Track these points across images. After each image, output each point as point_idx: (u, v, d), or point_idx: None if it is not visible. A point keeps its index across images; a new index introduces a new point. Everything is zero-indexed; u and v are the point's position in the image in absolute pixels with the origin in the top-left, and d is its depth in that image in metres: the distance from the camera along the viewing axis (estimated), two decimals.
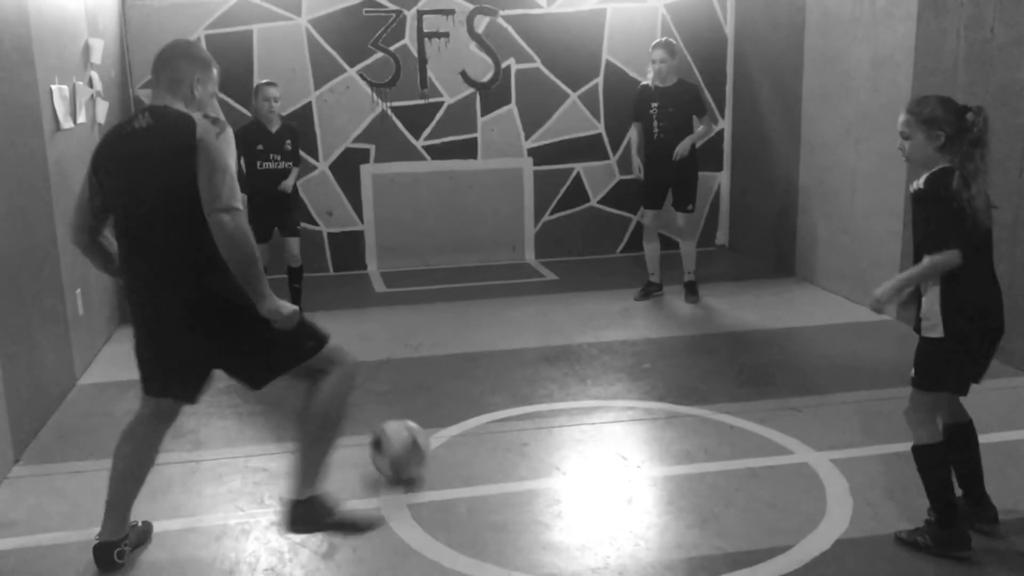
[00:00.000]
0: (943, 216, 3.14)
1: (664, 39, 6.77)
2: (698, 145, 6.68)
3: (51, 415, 4.76)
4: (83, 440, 4.42)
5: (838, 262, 6.87)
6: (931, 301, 3.21)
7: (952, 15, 5.48)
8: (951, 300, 3.18)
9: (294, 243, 6.46)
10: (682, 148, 6.57)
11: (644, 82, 6.80)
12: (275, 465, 4.12)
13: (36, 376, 4.58)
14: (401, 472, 3.83)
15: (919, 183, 3.25)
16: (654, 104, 6.60)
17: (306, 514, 3.36)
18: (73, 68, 5.61)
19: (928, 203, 3.20)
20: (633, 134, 6.84)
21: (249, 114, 7.64)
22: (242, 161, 6.20)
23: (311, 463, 3.33)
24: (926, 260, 3.16)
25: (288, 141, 6.35)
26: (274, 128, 6.29)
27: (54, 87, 5.16)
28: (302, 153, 7.07)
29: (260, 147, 6.24)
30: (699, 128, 6.66)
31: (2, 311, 4.14)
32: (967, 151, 3.14)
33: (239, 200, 3.01)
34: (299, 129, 6.60)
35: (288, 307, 3.09)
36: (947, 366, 3.24)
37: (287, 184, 6.34)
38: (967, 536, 3.25)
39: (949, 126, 3.16)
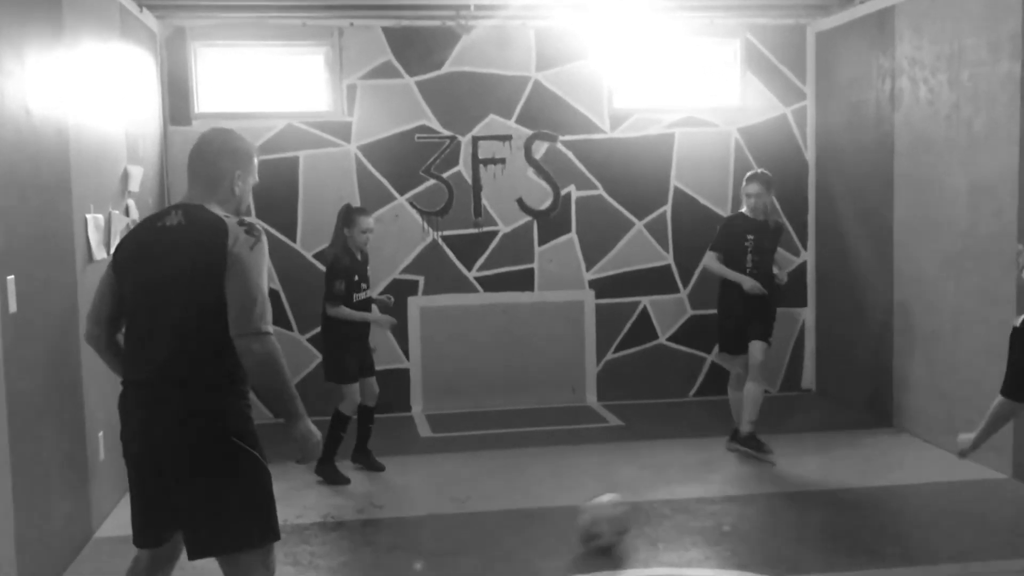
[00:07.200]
0: None
1: (760, 171, 6.84)
2: None
3: (64, 571, 4.75)
4: None
5: (941, 411, 6.68)
6: None
7: None
8: None
9: (374, 382, 6.45)
10: (785, 277, 6.74)
11: (741, 210, 6.80)
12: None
13: (50, 527, 4.59)
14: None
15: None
16: (750, 236, 6.57)
17: None
18: (110, 196, 5.86)
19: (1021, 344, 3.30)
20: (715, 261, 6.65)
21: (296, 246, 7.88)
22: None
23: None
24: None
25: (368, 267, 6.46)
26: (360, 255, 6.36)
27: (89, 216, 5.38)
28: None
29: (356, 278, 6.24)
30: (777, 259, 6.78)
31: (20, 455, 4.19)
32: None
33: (270, 322, 2.99)
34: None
35: (318, 434, 3.06)
36: None
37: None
38: None
39: None
